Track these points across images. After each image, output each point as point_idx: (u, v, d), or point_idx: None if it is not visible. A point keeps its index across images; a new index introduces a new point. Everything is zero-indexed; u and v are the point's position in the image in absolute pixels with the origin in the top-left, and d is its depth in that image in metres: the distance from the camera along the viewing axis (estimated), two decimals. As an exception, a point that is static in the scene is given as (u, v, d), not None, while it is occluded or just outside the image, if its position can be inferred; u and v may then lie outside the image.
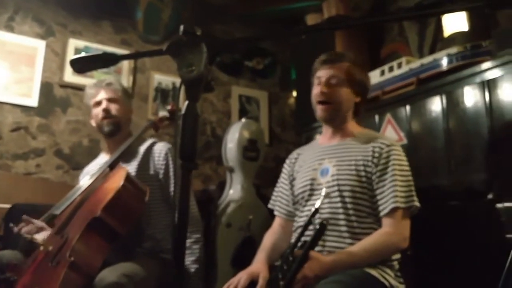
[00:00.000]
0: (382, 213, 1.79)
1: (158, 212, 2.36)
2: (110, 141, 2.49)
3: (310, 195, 1.96)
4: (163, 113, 2.66)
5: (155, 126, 2.54)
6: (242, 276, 1.81)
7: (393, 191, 1.77)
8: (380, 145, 1.88)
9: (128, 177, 2.13)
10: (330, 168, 1.93)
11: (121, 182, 2.08)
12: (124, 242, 2.10)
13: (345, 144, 1.99)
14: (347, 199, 1.83)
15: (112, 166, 2.29)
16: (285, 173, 2.20)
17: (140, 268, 2.04)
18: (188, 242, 2.26)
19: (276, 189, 2.24)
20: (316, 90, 2.01)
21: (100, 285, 1.85)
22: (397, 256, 1.85)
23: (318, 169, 1.98)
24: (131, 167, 2.39)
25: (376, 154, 1.86)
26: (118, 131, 2.44)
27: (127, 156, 2.40)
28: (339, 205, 1.84)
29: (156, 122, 2.54)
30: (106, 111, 2.40)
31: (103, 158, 2.53)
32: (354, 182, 1.85)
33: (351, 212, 1.82)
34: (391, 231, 1.76)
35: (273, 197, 2.24)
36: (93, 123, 2.51)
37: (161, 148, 2.45)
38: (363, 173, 1.85)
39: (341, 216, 1.82)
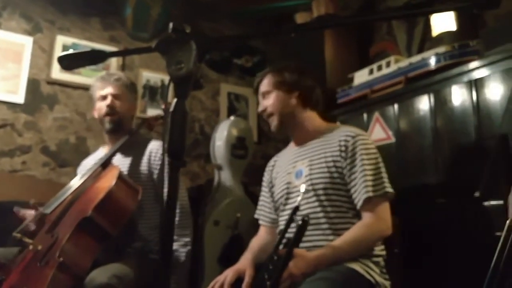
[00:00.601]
0: (358, 206, 1.81)
1: (150, 212, 2.32)
2: (110, 137, 2.46)
3: (287, 198, 2.00)
4: (157, 112, 2.63)
5: (149, 125, 2.52)
6: (228, 274, 1.82)
7: (364, 181, 1.79)
8: (346, 137, 1.89)
9: (120, 176, 2.11)
10: (304, 169, 1.96)
11: (113, 182, 2.05)
12: (115, 241, 2.08)
13: (315, 143, 2.01)
14: (322, 197, 1.85)
15: (104, 165, 2.27)
16: (265, 181, 2.24)
17: (130, 269, 2.02)
18: (176, 245, 2.22)
19: (259, 199, 2.26)
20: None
21: (90, 286, 1.83)
22: (382, 252, 1.86)
23: (292, 172, 2.01)
24: (125, 165, 2.37)
25: (343, 148, 1.87)
26: (119, 128, 2.40)
27: (125, 152, 2.39)
28: (316, 203, 1.86)
29: (151, 121, 2.52)
30: (111, 107, 2.36)
31: (102, 152, 2.49)
32: (326, 179, 1.87)
33: (329, 209, 1.84)
34: (370, 221, 1.78)
35: (257, 207, 2.25)
36: (96, 115, 2.47)
37: (158, 148, 2.40)
38: (333, 169, 1.87)
39: (321, 214, 1.84)
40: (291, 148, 2.16)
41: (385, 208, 1.81)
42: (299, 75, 2.06)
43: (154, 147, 2.42)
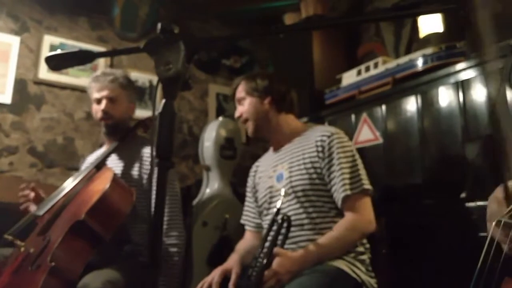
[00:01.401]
0: (339, 205, 1.85)
1: (140, 216, 2.30)
2: (108, 138, 2.44)
3: (270, 202, 2.02)
4: (149, 113, 2.59)
5: (144, 126, 2.49)
6: (216, 273, 1.84)
7: (342, 180, 1.83)
8: (322, 137, 1.93)
9: (114, 179, 2.06)
10: (284, 172, 1.99)
11: (107, 184, 2.00)
12: (107, 245, 2.04)
13: (293, 145, 2.05)
14: (303, 199, 1.89)
15: (98, 166, 2.25)
16: (249, 186, 2.28)
17: (123, 274, 2.00)
18: (167, 242, 2.19)
19: (245, 204, 2.29)
20: None
21: None
22: (367, 251, 1.89)
23: (273, 176, 2.05)
24: (119, 167, 2.35)
25: (320, 148, 1.92)
26: (115, 131, 2.39)
27: (120, 153, 2.37)
28: (298, 205, 1.89)
29: (147, 122, 2.49)
30: (105, 112, 2.32)
31: (103, 150, 2.47)
32: (305, 181, 1.90)
33: (310, 209, 1.87)
34: (351, 218, 1.81)
35: (243, 213, 2.27)
36: (93, 115, 2.44)
37: (150, 152, 2.33)
38: (312, 170, 1.91)
39: (303, 215, 1.87)
40: (270, 152, 2.21)
41: (365, 204, 1.85)
42: (270, 81, 2.13)
43: (147, 151, 2.36)
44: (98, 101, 2.35)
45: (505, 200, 1.03)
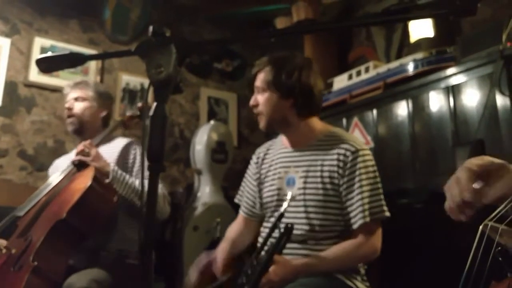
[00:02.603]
0: (353, 227, 1.75)
1: (125, 215, 2.30)
2: (78, 139, 2.46)
3: (277, 205, 1.89)
4: (132, 111, 2.61)
5: (124, 124, 2.50)
6: (200, 259, 1.93)
7: (361, 205, 1.72)
8: (345, 152, 1.78)
9: (95, 177, 2.06)
10: (296, 179, 1.86)
11: (89, 183, 2.00)
12: (90, 245, 2.06)
13: (312, 151, 1.88)
14: (312, 215, 1.79)
15: (79, 165, 2.24)
16: (252, 172, 2.10)
17: (108, 274, 2.01)
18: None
19: (243, 184, 2.16)
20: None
21: None
22: (363, 264, 1.87)
23: (283, 178, 1.90)
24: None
25: (341, 164, 1.77)
26: (81, 130, 2.41)
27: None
28: (303, 215, 1.80)
29: (125, 120, 2.50)
30: (69, 109, 2.41)
31: (73, 154, 2.47)
32: (320, 196, 1.78)
33: (316, 225, 1.78)
34: (362, 242, 1.73)
35: (239, 192, 2.16)
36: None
37: (136, 152, 2.40)
38: (329, 186, 1.78)
39: (307, 227, 1.78)
40: (284, 146, 1.99)
41: (378, 233, 1.78)
42: (298, 79, 1.84)
43: (133, 151, 2.40)
44: (66, 102, 2.46)
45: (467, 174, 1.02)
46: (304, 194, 1.80)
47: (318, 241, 1.78)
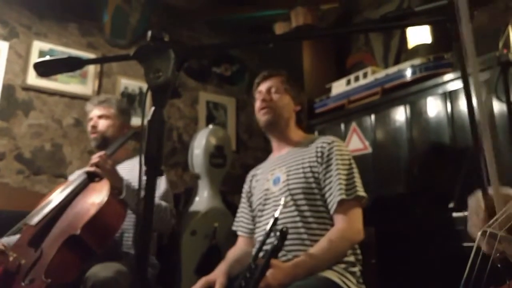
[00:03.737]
0: (332, 210, 1.84)
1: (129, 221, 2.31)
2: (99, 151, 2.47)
3: (264, 205, 2.03)
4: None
5: (138, 137, 2.54)
6: (198, 283, 1.85)
7: (338, 185, 1.84)
8: (322, 144, 1.98)
9: (111, 193, 2.04)
10: (281, 175, 2.01)
11: (106, 198, 1.98)
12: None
13: (293, 151, 2.08)
14: (300, 202, 1.89)
15: (92, 176, 2.24)
16: (244, 192, 2.28)
17: (128, 270, 2.01)
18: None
19: (238, 210, 2.29)
20: (257, 103, 2.15)
21: (94, 279, 1.82)
22: (359, 262, 1.88)
23: (270, 179, 2.06)
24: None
25: (319, 154, 1.95)
26: (104, 145, 2.50)
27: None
28: (293, 208, 1.89)
29: (139, 132, 2.50)
30: (93, 127, 2.56)
31: None
32: (303, 184, 1.92)
33: (307, 214, 1.87)
34: (342, 227, 1.80)
35: (236, 219, 2.28)
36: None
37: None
38: (310, 174, 1.93)
39: (298, 219, 1.87)
40: (270, 157, 2.24)
41: (356, 213, 1.85)
42: (304, 95, 2.26)
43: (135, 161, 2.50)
44: (89, 120, 2.62)
45: (485, 210, 1.04)
46: (288, 184, 1.95)
47: (310, 230, 1.85)
